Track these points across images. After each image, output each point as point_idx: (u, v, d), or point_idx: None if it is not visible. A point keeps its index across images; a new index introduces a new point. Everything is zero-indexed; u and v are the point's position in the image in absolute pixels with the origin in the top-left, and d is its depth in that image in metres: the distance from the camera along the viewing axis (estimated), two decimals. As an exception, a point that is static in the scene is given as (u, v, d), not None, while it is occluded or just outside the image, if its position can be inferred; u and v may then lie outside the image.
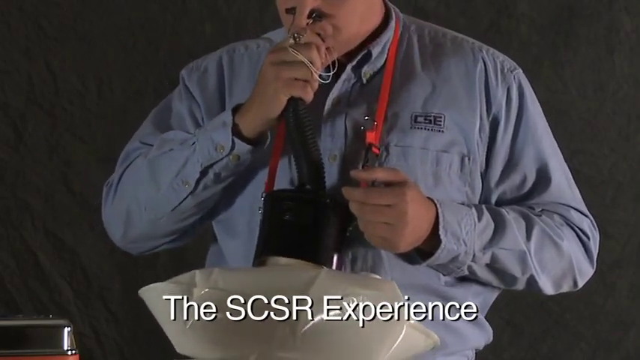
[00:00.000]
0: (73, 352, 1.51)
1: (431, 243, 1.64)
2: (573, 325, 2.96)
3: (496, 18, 2.90)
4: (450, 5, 2.89)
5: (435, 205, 1.66)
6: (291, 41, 1.65)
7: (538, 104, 1.83)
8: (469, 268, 1.73)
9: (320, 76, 1.65)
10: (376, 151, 1.69)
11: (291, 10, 1.66)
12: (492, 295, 1.81)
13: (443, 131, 1.76)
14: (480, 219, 1.74)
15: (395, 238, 1.61)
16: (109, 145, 2.69)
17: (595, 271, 1.85)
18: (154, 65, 2.84)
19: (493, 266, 1.75)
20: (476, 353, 1.81)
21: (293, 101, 1.61)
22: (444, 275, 1.77)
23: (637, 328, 3.00)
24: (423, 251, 1.67)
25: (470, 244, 1.74)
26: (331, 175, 1.68)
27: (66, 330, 1.52)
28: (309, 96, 1.60)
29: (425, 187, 1.71)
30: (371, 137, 1.71)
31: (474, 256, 1.72)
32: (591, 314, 3.04)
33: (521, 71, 1.81)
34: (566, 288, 1.85)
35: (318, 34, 1.65)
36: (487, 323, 1.79)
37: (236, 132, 1.65)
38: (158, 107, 1.86)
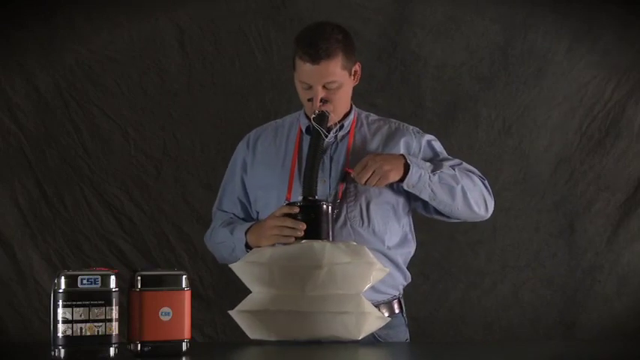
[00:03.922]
0: (188, 289, 2.08)
1: (406, 174, 2.42)
2: (455, 274, 3.82)
3: (414, 109, 3.80)
4: (389, 101, 3.76)
5: (402, 154, 2.47)
6: (315, 114, 2.43)
7: (440, 145, 2.66)
8: (431, 188, 2.45)
9: (326, 135, 2.45)
10: (350, 172, 2.47)
11: (310, 100, 2.48)
12: (410, 254, 2.62)
13: None
14: (424, 160, 2.51)
15: (386, 178, 2.39)
16: (208, 177, 3.68)
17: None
18: (228, 135, 3.52)
19: (442, 183, 2.46)
20: (403, 289, 2.65)
21: (310, 160, 2.40)
22: (417, 201, 2.52)
23: (491, 276, 3.80)
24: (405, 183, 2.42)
25: (425, 169, 2.46)
26: (321, 190, 2.46)
27: (184, 277, 2.08)
28: (280, 240, 2.35)
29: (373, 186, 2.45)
30: (347, 167, 2.52)
31: (429, 177, 2.45)
32: (462, 269, 3.84)
33: (427, 134, 2.65)
34: (483, 210, 2.55)
35: (326, 111, 2.45)
36: (407, 271, 2.64)
37: (246, 244, 2.48)
38: (225, 178, 2.69)
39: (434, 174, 2.47)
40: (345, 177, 2.49)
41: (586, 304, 3.82)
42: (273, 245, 2.39)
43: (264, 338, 2.31)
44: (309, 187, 2.41)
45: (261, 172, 2.61)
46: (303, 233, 2.34)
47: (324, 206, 2.39)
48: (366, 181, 2.40)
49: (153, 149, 3.70)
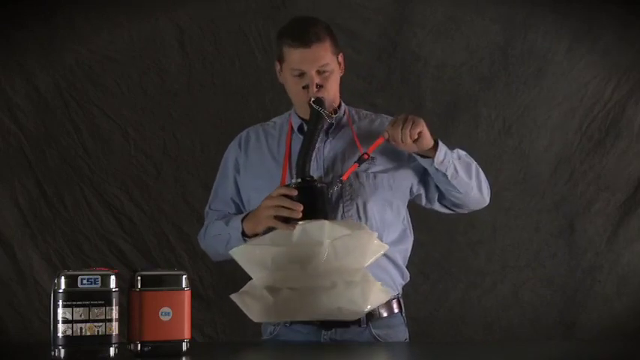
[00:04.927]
0: (188, 289, 2.09)
1: (433, 152, 2.43)
2: (455, 274, 3.85)
3: (414, 108, 3.74)
4: (389, 101, 3.75)
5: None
6: (312, 100, 2.44)
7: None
8: (454, 165, 2.46)
9: (329, 116, 2.45)
10: (366, 157, 2.47)
11: (305, 87, 2.49)
12: (408, 251, 2.61)
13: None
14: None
15: (419, 123, 2.37)
16: (208, 177, 3.36)
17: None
18: (228, 135, 3.01)
19: (461, 160, 2.50)
20: (402, 289, 2.63)
21: (303, 147, 2.40)
22: (443, 177, 2.48)
23: (491, 276, 3.83)
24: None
25: (447, 149, 2.48)
26: (315, 173, 2.48)
27: (184, 277, 2.10)
28: (275, 225, 2.35)
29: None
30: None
31: (451, 154, 2.47)
32: (462, 269, 3.86)
33: None
34: (487, 194, 2.59)
35: (323, 97, 2.46)
36: (406, 270, 2.63)
37: (243, 233, 2.46)
38: (218, 179, 2.70)
39: (453, 151, 2.49)
40: (359, 160, 2.46)
41: (586, 304, 3.82)
42: (272, 230, 2.38)
43: (267, 320, 2.31)
44: (303, 168, 2.40)
45: (253, 173, 2.61)
46: (300, 215, 2.33)
47: (319, 186, 2.40)
48: (401, 137, 2.37)
49: (153, 149, 3.71)
